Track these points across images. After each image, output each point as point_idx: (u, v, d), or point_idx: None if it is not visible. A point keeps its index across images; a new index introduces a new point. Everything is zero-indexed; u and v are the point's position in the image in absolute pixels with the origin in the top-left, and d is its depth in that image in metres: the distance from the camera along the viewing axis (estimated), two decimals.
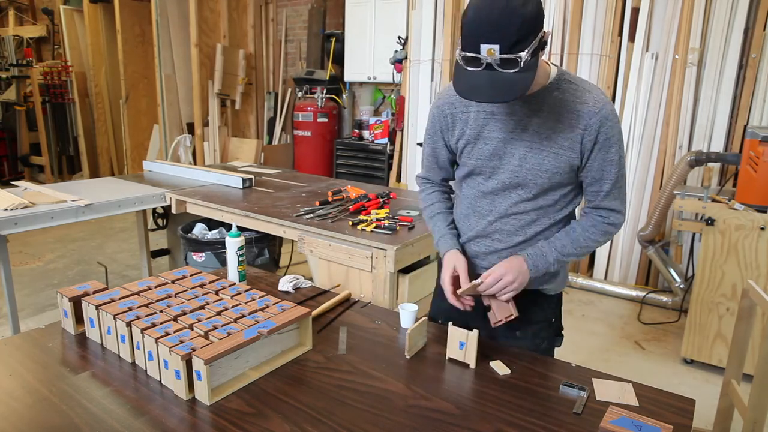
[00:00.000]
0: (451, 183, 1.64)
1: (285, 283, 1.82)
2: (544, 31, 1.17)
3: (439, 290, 1.69)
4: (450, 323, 1.38)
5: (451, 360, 1.39)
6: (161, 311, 1.40)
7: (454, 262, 1.45)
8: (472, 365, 1.36)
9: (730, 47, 3.61)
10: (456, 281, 1.43)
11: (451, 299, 1.43)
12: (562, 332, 1.64)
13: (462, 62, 1.17)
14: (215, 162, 6.02)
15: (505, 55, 1.11)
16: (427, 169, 1.61)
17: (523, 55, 1.12)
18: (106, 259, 4.60)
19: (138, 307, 1.42)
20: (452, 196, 1.64)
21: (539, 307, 1.53)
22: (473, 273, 1.48)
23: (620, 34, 4.01)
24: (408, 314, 1.56)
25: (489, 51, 1.11)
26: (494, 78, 1.14)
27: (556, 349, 1.64)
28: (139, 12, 6.62)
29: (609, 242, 4.16)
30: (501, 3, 1.10)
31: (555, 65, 1.36)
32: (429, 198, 1.61)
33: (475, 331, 1.35)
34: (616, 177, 1.35)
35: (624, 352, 3.24)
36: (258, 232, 2.86)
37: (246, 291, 1.56)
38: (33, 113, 7.57)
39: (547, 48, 4.17)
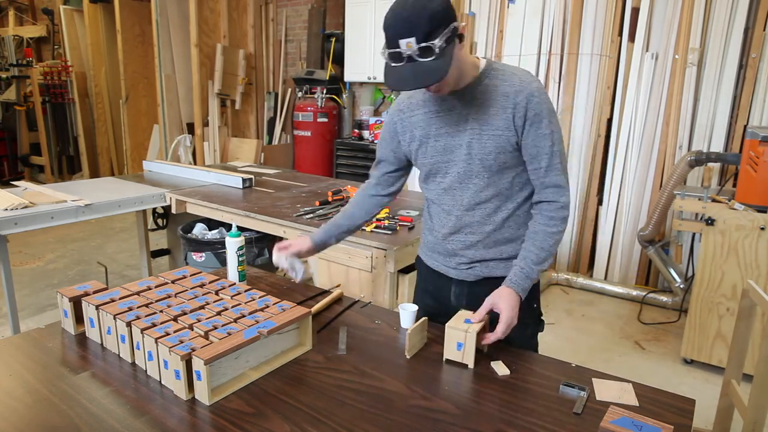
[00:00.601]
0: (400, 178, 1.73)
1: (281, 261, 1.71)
2: (458, 25, 1.29)
3: (418, 279, 1.78)
4: (447, 325, 1.38)
5: (449, 361, 1.39)
6: (161, 311, 1.40)
7: (299, 241, 1.67)
8: (471, 365, 1.36)
9: (730, 47, 3.61)
10: (284, 248, 1.66)
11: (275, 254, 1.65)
12: (543, 318, 1.67)
13: (387, 59, 1.30)
14: (215, 162, 6.02)
15: (421, 44, 1.24)
16: (374, 169, 1.74)
17: (437, 42, 1.24)
18: (106, 259, 4.60)
19: (138, 307, 1.42)
20: (372, 209, 1.74)
21: None
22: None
23: (620, 34, 4.01)
24: (408, 314, 1.56)
25: (407, 44, 1.25)
26: (416, 67, 1.27)
27: (553, 342, 1.65)
28: (139, 12, 6.62)
29: (609, 242, 4.16)
30: (409, 2, 1.25)
31: (485, 58, 1.46)
32: (348, 205, 1.76)
33: (473, 331, 1.35)
34: (551, 151, 1.42)
35: (624, 352, 3.25)
36: (258, 232, 2.86)
37: (246, 291, 1.56)
38: (33, 113, 7.57)
39: (547, 48, 4.21)
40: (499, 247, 1.52)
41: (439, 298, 1.65)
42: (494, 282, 1.51)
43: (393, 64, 1.30)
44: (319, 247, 1.71)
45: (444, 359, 1.39)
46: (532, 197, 1.51)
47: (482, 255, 1.53)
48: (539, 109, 1.39)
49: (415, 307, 1.58)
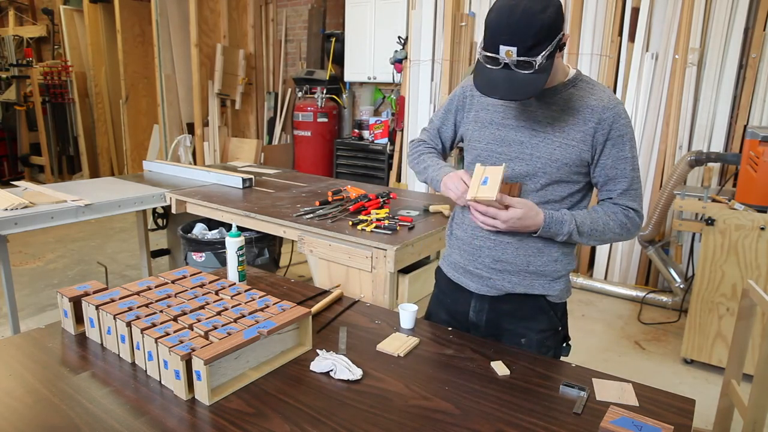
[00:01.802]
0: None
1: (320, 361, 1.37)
2: (563, 34, 1.23)
3: (435, 291, 1.70)
4: (477, 164, 1.36)
5: (474, 200, 1.32)
6: (161, 311, 1.40)
7: (457, 176, 1.43)
8: (494, 197, 1.29)
9: (730, 47, 3.61)
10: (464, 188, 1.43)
11: (461, 200, 1.43)
12: (569, 342, 1.61)
13: (482, 60, 1.25)
14: (215, 162, 6.02)
15: (521, 58, 1.19)
16: (427, 135, 1.64)
17: (539, 59, 1.19)
18: (106, 259, 4.60)
19: (138, 307, 1.42)
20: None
21: (546, 315, 1.51)
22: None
23: (620, 34, 4.01)
24: (408, 314, 1.56)
25: (507, 53, 1.19)
26: (510, 77, 1.22)
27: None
28: (139, 12, 6.62)
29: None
30: (521, 8, 1.17)
31: (575, 69, 1.41)
32: (423, 149, 1.64)
33: (500, 167, 1.32)
34: (631, 176, 1.37)
35: (624, 352, 3.24)
36: (258, 232, 2.86)
37: (246, 291, 1.56)
38: (33, 113, 7.57)
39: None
40: (528, 258, 1.44)
41: (456, 313, 1.58)
42: (516, 299, 1.47)
43: (487, 66, 1.25)
44: None
45: (470, 198, 1.34)
46: None
47: (509, 261, 1.44)
48: (624, 131, 1.34)
49: (416, 307, 1.57)
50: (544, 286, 1.47)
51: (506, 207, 1.34)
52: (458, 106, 1.53)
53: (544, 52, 1.19)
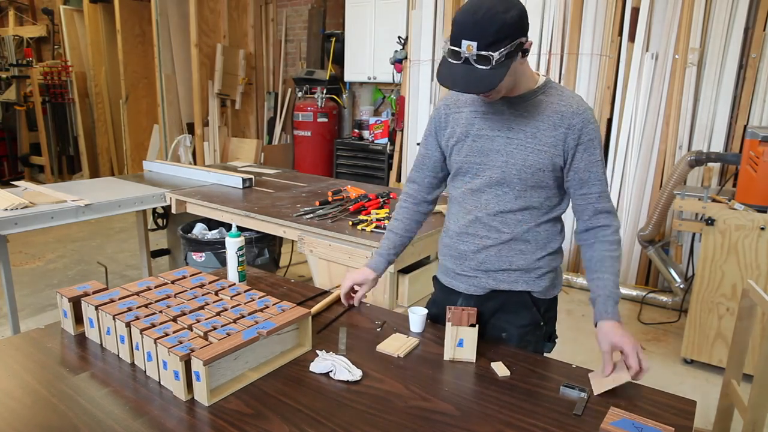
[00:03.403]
0: (435, 192, 1.68)
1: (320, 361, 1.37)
2: (525, 40, 1.29)
3: (431, 297, 1.73)
4: (448, 323, 1.38)
5: (451, 360, 1.38)
6: (161, 312, 1.40)
7: (361, 276, 1.64)
8: (473, 360, 1.36)
9: (730, 47, 3.61)
10: (348, 295, 1.67)
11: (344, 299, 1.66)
12: (555, 339, 1.62)
13: (446, 54, 1.31)
14: (215, 162, 6.02)
15: (480, 52, 1.24)
16: (416, 170, 1.67)
17: (495, 54, 1.24)
18: (106, 259, 4.60)
19: (137, 308, 1.41)
20: (422, 219, 1.71)
21: (528, 311, 1.53)
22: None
23: (620, 34, 4.01)
24: (418, 318, 1.55)
25: (468, 47, 1.25)
26: (469, 71, 1.27)
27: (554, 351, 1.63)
28: (139, 12, 6.62)
29: None
30: (486, 6, 1.23)
31: (545, 76, 1.46)
32: (398, 212, 1.70)
33: (474, 328, 1.35)
34: (603, 179, 1.43)
35: None
36: (258, 232, 2.86)
37: (246, 291, 1.56)
38: (33, 113, 7.57)
39: (547, 48, 4.21)
40: (511, 258, 1.48)
41: (444, 312, 1.59)
42: (501, 295, 1.51)
43: (450, 60, 1.30)
44: (382, 272, 1.68)
45: (446, 359, 1.39)
46: (557, 221, 1.51)
47: (492, 262, 1.49)
48: (594, 135, 1.39)
49: (425, 311, 1.57)
50: (528, 283, 1.50)
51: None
52: (436, 127, 1.57)
53: (502, 50, 1.24)
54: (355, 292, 1.66)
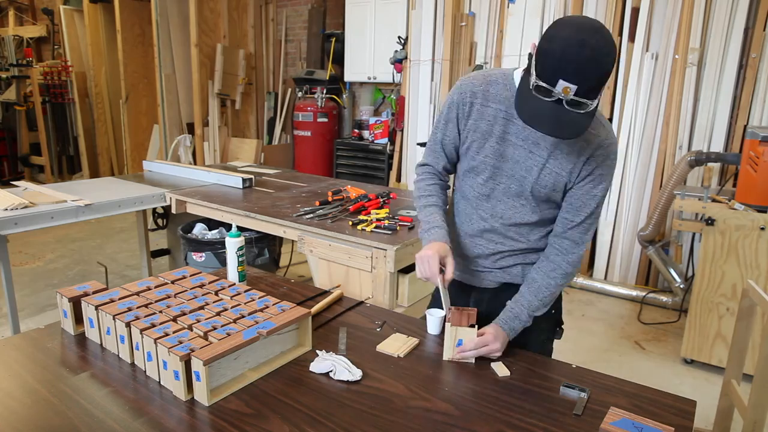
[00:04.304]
0: (450, 177, 1.64)
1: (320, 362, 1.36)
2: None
3: (436, 290, 1.71)
4: (447, 324, 1.38)
5: (450, 361, 1.38)
6: (161, 312, 1.39)
7: (443, 249, 1.39)
8: (472, 361, 1.36)
9: (730, 47, 3.61)
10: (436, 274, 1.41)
11: (426, 279, 1.41)
12: (562, 326, 1.65)
13: (533, 89, 1.18)
14: (215, 162, 6.02)
15: (578, 98, 1.13)
16: (431, 155, 1.56)
17: (594, 102, 1.15)
18: (106, 259, 4.60)
19: (137, 308, 1.41)
20: (448, 192, 1.63)
21: None
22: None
23: (620, 34, 4.01)
24: (435, 320, 1.53)
25: (565, 89, 1.12)
26: (560, 113, 1.16)
27: (555, 343, 1.65)
28: (139, 12, 6.62)
29: (609, 242, 4.16)
30: (591, 46, 1.10)
31: None
32: (427, 188, 1.56)
33: (474, 329, 1.35)
34: (592, 212, 1.38)
35: (624, 352, 3.24)
36: (258, 232, 2.86)
37: (246, 291, 1.55)
38: (33, 113, 7.56)
39: None
40: (526, 255, 1.50)
41: (456, 304, 1.60)
42: (513, 288, 1.50)
43: (536, 95, 1.17)
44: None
45: (444, 360, 1.39)
46: None
47: (506, 261, 1.51)
48: (607, 171, 1.34)
49: (443, 312, 1.53)
50: None
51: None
52: (459, 113, 1.45)
53: (599, 96, 1.15)
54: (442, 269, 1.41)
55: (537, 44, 1.18)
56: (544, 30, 1.20)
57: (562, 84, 1.12)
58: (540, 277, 1.43)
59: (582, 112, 1.15)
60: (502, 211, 1.46)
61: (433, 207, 1.53)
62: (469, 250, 1.54)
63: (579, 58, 1.10)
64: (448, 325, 1.37)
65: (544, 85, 1.14)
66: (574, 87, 1.12)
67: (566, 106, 1.15)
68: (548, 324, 1.58)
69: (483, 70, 1.47)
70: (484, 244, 1.52)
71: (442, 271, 1.39)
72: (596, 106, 1.18)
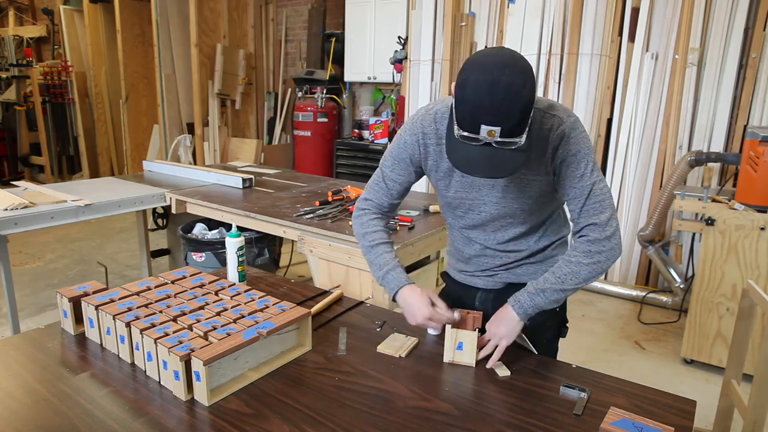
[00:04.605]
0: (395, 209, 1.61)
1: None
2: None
3: (443, 291, 1.71)
4: (448, 326, 1.38)
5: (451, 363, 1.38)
6: (161, 312, 1.40)
7: (417, 298, 1.38)
8: (472, 364, 1.36)
9: (730, 47, 3.61)
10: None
11: (421, 323, 1.40)
12: (567, 324, 1.64)
13: (459, 138, 1.16)
14: (215, 162, 6.02)
15: (505, 139, 1.11)
16: (374, 191, 1.53)
17: (523, 138, 1.12)
18: (106, 259, 4.60)
19: (137, 308, 1.41)
20: (389, 223, 1.60)
21: None
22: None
23: (620, 34, 4.01)
24: None
25: (489, 132, 1.10)
26: (492, 155, 1.14)
27: (560, 341, 1.65)
28: (139, 12, 6.62)
29: None
30: (502, 84, 1.07)
31: None
32: (370, 224, 1.52)
33: (475, 332, 1.35)
34: (588, 191, 1.31)
35: (624, 352, 3.24)
36: (258, 232, 2.86)
37: (246, 291, 1.55)
38: (33, 113, 7.56)
39: (547, 48, 4.20)
40: (530, 256, 1.50)
41: (463, 306, 1.58)
42: (519, 288, 1.47)
43: (466, 143, 1.15)
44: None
45: (445, 362, 1.39)
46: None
47: (509, 260, 1.51)
48: (577, 149, 1.28)
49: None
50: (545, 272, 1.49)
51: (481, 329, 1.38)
52: (412, 156, 1.42)
53: (526, 129, 1.12)
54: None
55: (453, 91, 1.15)
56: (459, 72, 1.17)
57: (485, 128, 1.10)
58: (561, 261, 1.37)
59: (513, 148, 1.13)
60: (493, 233, 1.45)
61: (380, 246, 1.49)
62: (472, 265, 1.55)
63: (493, 100, 1.07)
64: (448, 327, 1.37)
65: (468, 134, 1.12)
66: (497, 129, 1.09)
67: (496, 146, 1.13)
68: (554, 322, 1.58)
69: (429, 104, 1.43)
70: (486, 261, 1.53)
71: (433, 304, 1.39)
72: (527, 140, 1.14)
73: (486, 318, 1.45)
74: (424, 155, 1.41)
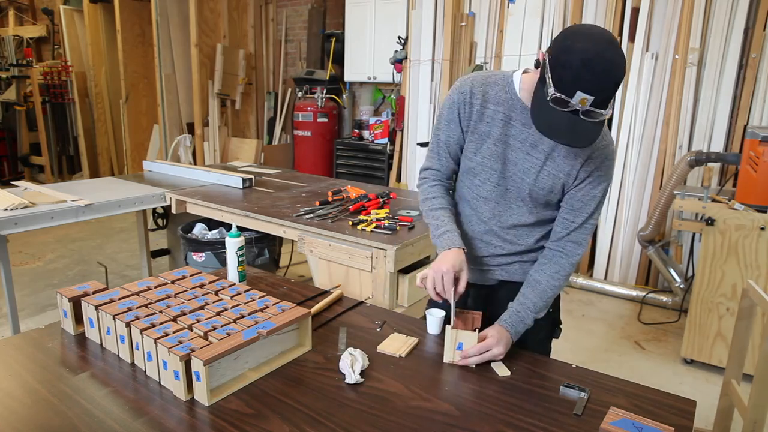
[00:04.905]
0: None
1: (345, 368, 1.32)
2: None
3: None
4: (447, 326, 1.38)
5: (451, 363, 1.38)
6: (161, 312, 1.40)
7: (458, 261, 1.38)
8: (473, 365, 1.36)
9: (730, 47, 3.61)
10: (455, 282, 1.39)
11: (437, 298, 1.42)
12: (560, 325, 1.66)
13: (550, 100, 1.18)
14: (215, 162, 6.02)
15: (594, 109, 1.16)
16: (434, 157, 1.55)
17: (607, 111, 1.17)
18: (106, 259, 4.60)
19: (137, 308, 1.41)
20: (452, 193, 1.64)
21: None
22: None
23: (620, 34, 4.01)
24: (435, 320, 1.53)
25: (582, 100, 1.14)
26: (575, 123, 1.18)
27: (553, 342, 1.65)
28: (139, 12, 6.62)
29: (609, 242, 4.16)
30: (607, 58, 1.12)
31: None
32: (432, 191, 1.55)
33: (475, 332, 1.35)
34: (593, 212, 1.40)
35: (624, 352, 3.24)
36: (258, 232, 2.86)
37: (246, 291, 1.56)
38: (33, 113, 7.56)
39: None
40: (523, 254, 1.52)
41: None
42: (511, 286, 1.52)
43: (554, 106, 1.18)
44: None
45: (445, 362, 1.39)
46: None
47: (504, 260, 1.53)
48: (606, 173, 1.36)
49: (443, 313, 1.54)
50: None
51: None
52: (461, 113, 1.45)
53: (612, 104, 1.18)
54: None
55: (551, 55, 1.19)
56: (554, 39, 1.21)
57: (579, 95, 1.14)
58: (544, 279, 1.43)
59: (596, 120, 1.18)
60: (500, 213, 1.47)
61: (440, 210, 1.51)
62: (469, 252, 1.54)
63: (597, 71, 1.12)
64: (448, 327, 1.37)
65: (563, 96, 1.16)
66: (591, 98, 1.14)
67: (581, 116, 1.17)
68: (547, 323, 1.58)
69: (481, 71, 1.49)
70: (483, 247, 1.54)
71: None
72: (609, 114, 1.20)
73: (484, 317, 1.45)
74: (468, 113, 1.43)
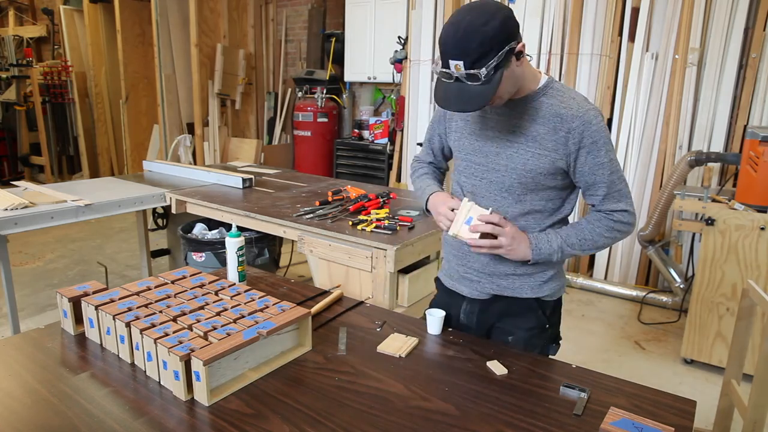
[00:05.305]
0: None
1: None
2: (515, 45, 1.24)
3: (434, 298, 1.72)
4: (465, 198, 1.43)
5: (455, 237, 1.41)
6: (161, 312, 1.40)
7: (445, 196, 1.52)
8: (477, 237, 1.37)
9: (730, 47, 3.60)
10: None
11: (454, 229, 1.45)
12: (560, 341, 1.63)
13: (438, 74, 1.30)
14: (215, 162, 6.02)
15: (468, 71, 1.23)
16: (423, 151, 1.73)
17: (483, 70, 1.22)
18: (106, 259, 4.60)
19: (137, 308, 1.41)
20: (442, 178, 1.74)
21: (533, 313, 1.53)
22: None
23: (620, 34, 4.01)
24: (435, 320, 1.53)
25: (456, 66, 1.24)
26: (461, 90, 1.27)
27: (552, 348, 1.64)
28: (139, 12, 6.62)
29: None
30: (465, 23, 1.22)
31: (547, 75, 1.42)
32: (420, 167, 1.72)
33: (488, 210, 1.38)
34: (609, 180, 1.38)
35: (624, 352, 3.24)
36: (258, 232, 2.86)
37: (246, 291, 1.56)
38: (33, 113, 7.56)
39: (547, 48, 4.20)
40: (517, 266, 1.47)
41: (449, 317, 1.60)
42: (505, 301, 1.51)
43: (443, 79, 1.30)
44: None
45: (447, 234, 1.41)
46: (562, 222, 1.49)
47: (496, 265, 1.48)
48: (597, 137, 1.34)
49: (443, 313, 1.53)
50: (533, 289, 1.49)
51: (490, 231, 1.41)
52: (440, 116, 1.59)
53: (490, 63, 1.21)
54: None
55: None
56: None
57: (452, 63, 1.24)
58: (585, 222, 1.43)
59: (479, 84, 1.24)
60: (485, 206, 1.45)
61: (425, 177, 1.67)
62: (460, 247, 1.53)
63: (458, 37, 1.22)
64: (465, 199, 1.41)
65: (442, 69, 1.27)
66: (460, 62, 1.22)
67: (466, 82, 1.25)
68: (541, 340, 1.57)
69: None
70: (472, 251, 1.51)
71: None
72: (494, 75, 1.24)
73: (469, 329, 1.48)
74: (449, 115, 1.55)
